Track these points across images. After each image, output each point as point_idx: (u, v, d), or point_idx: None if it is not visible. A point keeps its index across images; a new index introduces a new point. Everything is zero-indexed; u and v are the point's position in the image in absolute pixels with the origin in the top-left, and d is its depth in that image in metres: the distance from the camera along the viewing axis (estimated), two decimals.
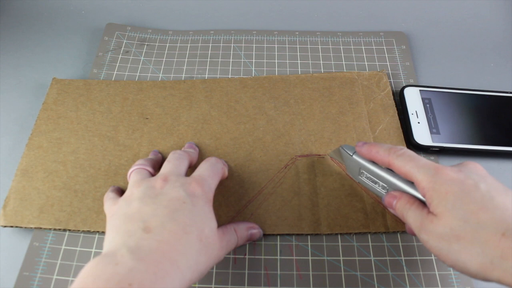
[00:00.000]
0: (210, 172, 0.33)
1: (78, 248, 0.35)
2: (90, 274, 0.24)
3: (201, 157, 0.40)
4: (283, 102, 0.44)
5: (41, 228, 0.36)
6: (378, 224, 0.36)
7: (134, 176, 0.33)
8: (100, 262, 0.25)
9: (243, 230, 0.34)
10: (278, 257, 0.35)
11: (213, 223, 0.30)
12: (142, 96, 0.44)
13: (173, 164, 0.34)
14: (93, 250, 0.35)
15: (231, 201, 0.37)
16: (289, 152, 0.40)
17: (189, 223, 0.28)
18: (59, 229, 0.36)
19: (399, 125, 0.42)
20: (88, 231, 0.36)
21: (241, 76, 0.47)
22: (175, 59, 0.49)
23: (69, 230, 0.36)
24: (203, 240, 0.28)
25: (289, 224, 0.36)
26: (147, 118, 0.42)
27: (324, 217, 0.36)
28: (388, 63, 0.49)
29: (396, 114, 0.43)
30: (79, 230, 0.36)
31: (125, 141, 0.40)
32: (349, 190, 0.38)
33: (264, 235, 0.36)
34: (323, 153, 0.40)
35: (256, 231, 0.35)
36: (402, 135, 0.42)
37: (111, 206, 0.32)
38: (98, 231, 0.36)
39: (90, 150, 0.40)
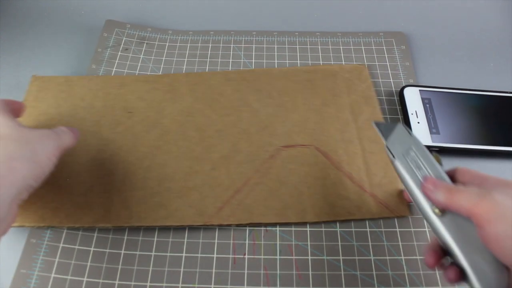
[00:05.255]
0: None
1: (76, 247, 0.35)
2: None
3: (187, 149, 0.40)
4: (267, 94, 0.44)
5: (24, 226, 0.35)
6: (364, 211, 0.37)
7: None
8: None
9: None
10: (278, 257, 0.35)
11: None
12: (125, 90, 0.44)
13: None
14: (92, 249, 0.35)
15: (218, 191, 0.37)
16: (274, 143, 0.41)
17: None
18: (43, 226, 0.35)
19: (380, 115, 0.43)
20: (88, 230, 0.36)
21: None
22: (175, 59, 0.49)
23: (53, 226, 0.35)
24: None
25: (276, 213, 0.36)
26: (130, 112, 0.42)
27: (310, 205, 0.37)
28: (387, 63, 0.49)
29: (378, 105, 0.44)
30: (75, 227, 0.35)
31: (108, 135, 0.40)
32: (334, 179, 0.38)
33: (263, 233, 0.36)
34: (308, 144, 0.41)
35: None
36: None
37: None
38: (96, 229, 0.36)
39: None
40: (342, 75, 0.46)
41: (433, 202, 0.28)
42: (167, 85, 0.45)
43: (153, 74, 0.47)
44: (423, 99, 0.44)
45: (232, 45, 0.51)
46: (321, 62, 0.49)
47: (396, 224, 0.37)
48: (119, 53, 0.49)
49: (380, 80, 0.47)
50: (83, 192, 0.37)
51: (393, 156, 0.31)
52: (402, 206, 0.37)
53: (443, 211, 0.28)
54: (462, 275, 0.26)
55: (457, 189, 0.27)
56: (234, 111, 0.43)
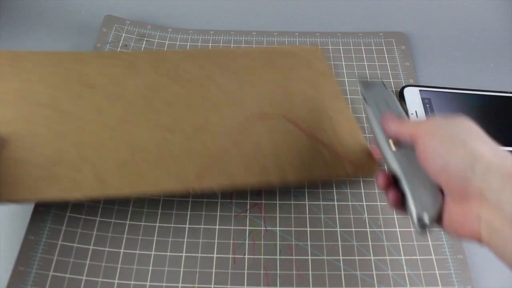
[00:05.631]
0: None
1: (75, 244, 0.35)
2: None
3: (157, 121, 0.39)
4: (231, 71, 0.45)
5: None
6: (339, 172, 0.38)
7: None
8: None
9: None
10: (278, 257, 0.35)
11: None
12: (83, 66, 0.43)
13: None
14: (91, 247, 0.35)
15: (195, 159, 0.37)
16: (244, 115, 0.41)
17: None
18: (4, 202, 0.34)
19: (338, 88, 0.45)
20: (88, 228, 0.36)
21: None
22: None
23: (15, 201, 0.34)
24: None
25: (257, 178, 0.37)
26: (91, 88, 0.41)
27: (289, 169, 0.37)
28: (387, 63, 0.49)
29: (334, 79, 0.46)
30: (77, 219, 0.35)
31: (70, 108, 0.39)
32: (307, 146, 0.39)
33: (263, 233, 0.36)
34: (278, 113, 0.41)
35: None
36: (342, 96, 0.44)
37: None
38: (95, 228, 0.36)
39: (28, 119, 0.38)
40: (300, 53, 0.48)
41: (387, 133, 0.31)
42: (127, 62, 0.44)
43: (111, 51, 0.47)
44: (423, 99, 0.44)
45: (232, 45, 0.51)
46: None
47: (396, 224, 0.37)
48: (119, 49, 0.49)
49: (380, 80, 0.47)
50: (44, 164, 0.35)
51: (366, 102, 0.35)
52: (372, 165, 0.38)
53: (398, 145, 0.30)
54: (402, 201, 0.29)
55: (407, 120, 0.31)
56: (201, 87, 0.43)
